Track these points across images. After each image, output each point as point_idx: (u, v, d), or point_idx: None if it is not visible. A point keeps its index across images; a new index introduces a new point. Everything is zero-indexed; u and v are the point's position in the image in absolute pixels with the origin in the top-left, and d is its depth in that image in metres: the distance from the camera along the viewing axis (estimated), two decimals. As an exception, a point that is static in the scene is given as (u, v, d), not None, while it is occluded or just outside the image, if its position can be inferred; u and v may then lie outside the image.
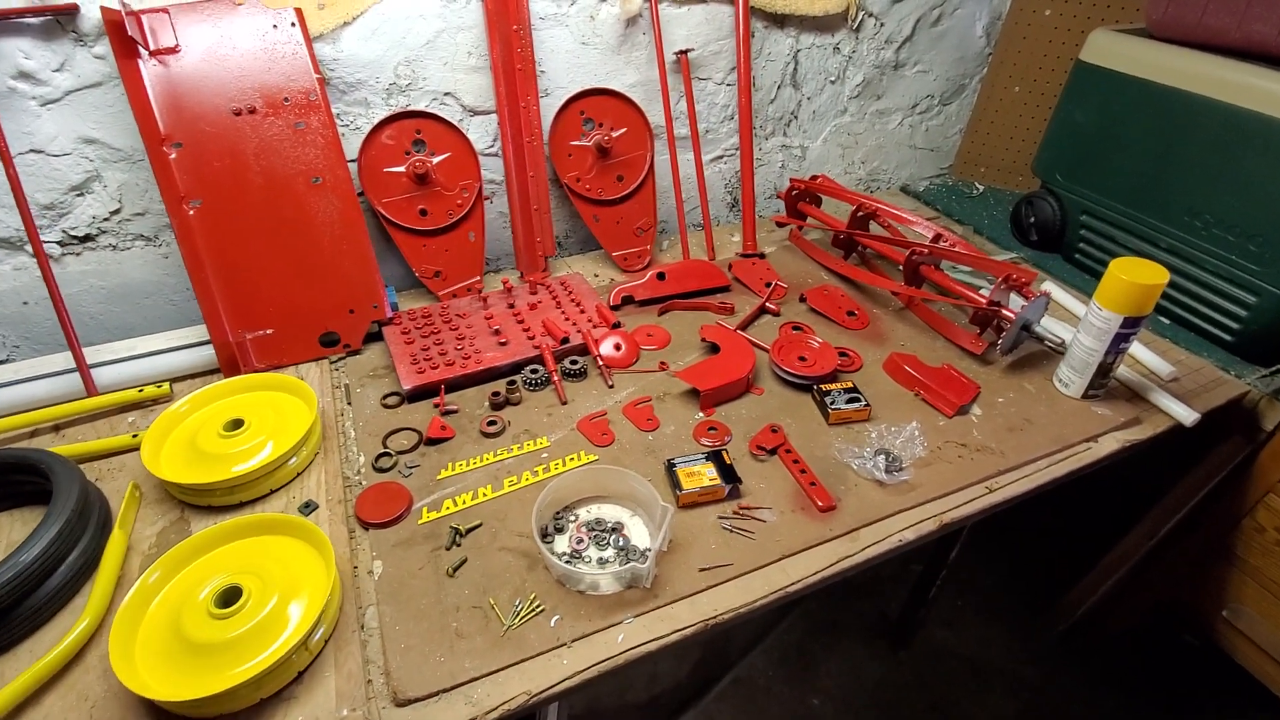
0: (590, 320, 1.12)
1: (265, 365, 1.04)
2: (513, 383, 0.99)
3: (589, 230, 1.31)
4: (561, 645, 0.69)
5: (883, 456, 0.87)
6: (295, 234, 1.03)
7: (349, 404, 0.99)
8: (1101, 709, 1.46)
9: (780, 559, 0.78)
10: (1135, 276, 0.89)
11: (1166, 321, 1.22)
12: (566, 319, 1.12)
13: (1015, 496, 0.88)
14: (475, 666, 0.67)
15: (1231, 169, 1.07)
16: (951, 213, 1.58)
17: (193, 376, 1.04)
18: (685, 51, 1.30)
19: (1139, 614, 1.49)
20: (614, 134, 1.26)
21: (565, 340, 1.06)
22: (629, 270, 1.32)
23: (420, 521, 0.82)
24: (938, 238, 1.16)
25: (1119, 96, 1.21)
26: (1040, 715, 1.46)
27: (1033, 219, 1.42)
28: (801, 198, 1.38)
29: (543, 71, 1.23)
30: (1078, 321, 1.11)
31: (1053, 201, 1.38)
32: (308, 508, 0.83)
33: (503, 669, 0.67)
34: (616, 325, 1.11)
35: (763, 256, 1.36)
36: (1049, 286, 1.27)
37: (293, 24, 1.01)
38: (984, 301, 1.05)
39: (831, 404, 0.96)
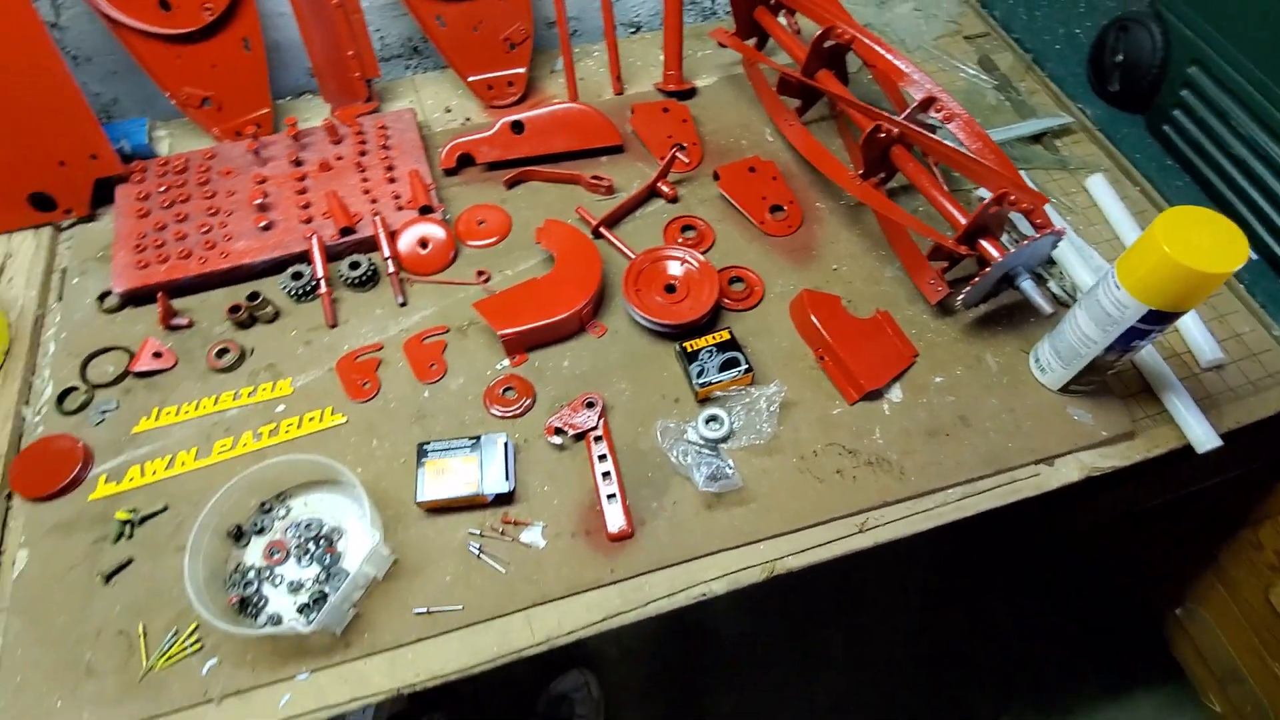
0: (397, 196, 0.80)
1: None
2: (255, 296, 0.73)
3: (439, 38, 0.90)
4: (207, 701, 0.55)
5: (712, 462, 0.62)
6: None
7: (60, 299, 0.76)
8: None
9: (530, 606, 0.59)
10: (1189, 254, 0.52)
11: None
12: (366, 191, 0.80)
13: (898, 538, 0.63)
14: (89, 722, 0.53)
15: None
16: (1011, 25, 1.07)
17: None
18: None
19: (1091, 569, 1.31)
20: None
21: (348, 230, 0.77)
22: (494, 106, 0.94)
23: (93, 496, 0.63)
24: (926, 104, 0.74)
25: None
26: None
27: (1120, 56, 0.93)
28: (759, 1, 0.91)
29: None
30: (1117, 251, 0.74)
31: (1156, 32, 0.88)
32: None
33: (117, 733, 0.53)
34: (426, 210, 0.79)
35: (690, 95, 0.95)
36: (1097, 182, 0.85)
37: None
38: (957, 228, 0.68)
39: (699, 375, 0.67)
